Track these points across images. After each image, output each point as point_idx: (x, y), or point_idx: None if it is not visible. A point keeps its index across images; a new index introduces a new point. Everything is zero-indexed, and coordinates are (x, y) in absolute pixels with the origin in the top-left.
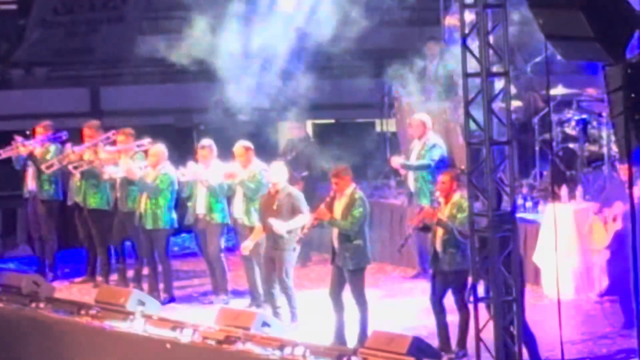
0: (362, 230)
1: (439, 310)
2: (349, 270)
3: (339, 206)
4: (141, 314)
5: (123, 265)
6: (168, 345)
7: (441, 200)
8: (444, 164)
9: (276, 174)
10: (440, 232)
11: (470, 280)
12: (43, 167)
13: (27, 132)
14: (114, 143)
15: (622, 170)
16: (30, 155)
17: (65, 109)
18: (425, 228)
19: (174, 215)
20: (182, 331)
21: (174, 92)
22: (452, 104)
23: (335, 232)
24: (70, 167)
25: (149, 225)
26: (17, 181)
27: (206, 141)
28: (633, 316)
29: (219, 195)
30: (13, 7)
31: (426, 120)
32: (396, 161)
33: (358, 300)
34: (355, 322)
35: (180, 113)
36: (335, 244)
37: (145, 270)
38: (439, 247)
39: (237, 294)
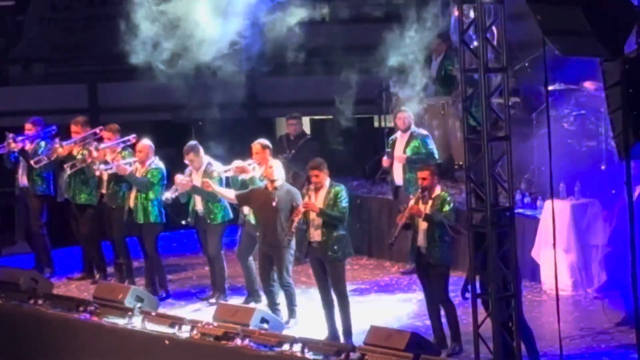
0: (345, 220)
1: (432, 305)
2: (333, 260)
3: (318, 198)
4: (139, 311)
5: (120, 261)
6: (166, 342)
7: (423, 194)
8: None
9: (278, 172)
10: (423, 226)
11: (453, 274)
12: (32, 162)
13: (25, 128)
14: (100, 139)
15: None
16: (22, 151)
17: (63, 105)
18: (408, 225)
19: (163, 210)
20: (180, 327)
21: (172, 89)
22: (451, 100)
23: (316, 223)
24: (65, 166)
25: (139, 220)
26: (14, 177)
27: (190, 145)
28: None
29: (212, 196)
30: (11, 3)
31: (411, 113)
32: (402, 158)
33: (340, 291)
34: (337, 316)
35: (178, 109)
36: (317, 236)
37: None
38: (422, 242)
39: (235, 290)
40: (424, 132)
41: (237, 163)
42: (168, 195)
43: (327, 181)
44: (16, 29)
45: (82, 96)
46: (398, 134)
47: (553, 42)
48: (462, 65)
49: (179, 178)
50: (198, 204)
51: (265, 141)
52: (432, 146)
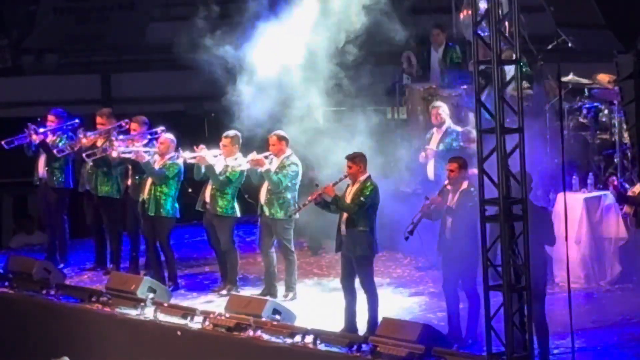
0: (368, 217)
1: (452, 298)
2: (356, 257)
3: (351, 192)
4: (152, 301)
5: (135, 253)
6: (179, 332)
7: (449, 187)
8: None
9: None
10: (449, 219)
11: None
12: (55, 151)
13: (39, 119)
14: (127, 131)
15: None
16: (42, 144)
17: (76, 96)
18: (435, 216)
19: (177, 205)
20: (192, 318)
21: (185, 79)
22: (464, 92)
23: (344, 217)
24: (84, 155)
25: (151, 212)
26: (28, 168)
27: (230, 131)
28: None
29: (224, 186)
30: None
31: (445, 107)
32: (431, 152)
33: (366, 288)
34: (364, 310)
35: (191, 100)
36: (343, 230)
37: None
38: (448, 234)
39: (247, 281)
40: (459, 128)
41: (253, 155)
42: (186, 154)
43: (364, 175)
44: (29, 19)
45: (95, 87)
46: (434, 129)
47: (567, 35)
48: (475, 57)
49: (204, 150)
50: (207, 191)
51: (282, 132)
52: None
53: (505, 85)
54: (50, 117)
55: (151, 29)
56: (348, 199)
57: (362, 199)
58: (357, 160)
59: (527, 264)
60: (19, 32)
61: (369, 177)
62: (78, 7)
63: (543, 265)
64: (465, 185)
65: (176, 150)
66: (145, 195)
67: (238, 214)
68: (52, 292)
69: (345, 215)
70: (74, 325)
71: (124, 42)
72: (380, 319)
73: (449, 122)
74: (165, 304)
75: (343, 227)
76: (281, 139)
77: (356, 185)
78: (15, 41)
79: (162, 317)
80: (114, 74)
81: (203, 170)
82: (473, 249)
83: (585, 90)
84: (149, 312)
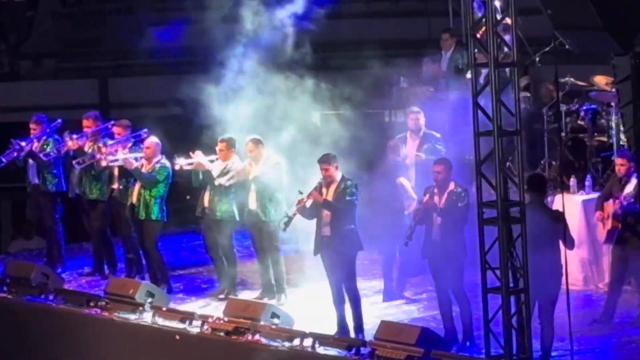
0: (353, 214)
1: (444, 299)
2: (345, 255)
3: (329, 193)
4: (150, 306)
5: (130, 257)
6: (177, 337)
7: (436, 189)
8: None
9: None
10: (438, 220)
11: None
12: (42, 155)
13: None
14: (111, 134)
15: (619, 164)
16: (30, 153)
17: (74, 101)
18: (423, 220)
19: (165, 208)
20: (191, 323)
21: (183, 84)
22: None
23: (326, 219)
24: (73, 162)
25: (141, 216)
26: (25, 174)
27: (225, 135)
28: None
29: (223, 192)
30: None
31: (422, 113)
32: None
33: (350, 287)
34: (349, 312)
35: (190, 104)
36: (327, 231)
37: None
38: (436, 236)
39: (245, 285)
40: (436, 134)
41: (237, 166)
42: (181, 161)
43: (338, 175)
44: (27, 24)
45: (93, 91)
46: (407, 133)
47: (564, 37)
48: (471, 60)
49: (200, 155)
50: (206, 199)
51: (257, 137)
52: (443, 148)
53: (502, 87)
54: (32, 125)
55: (149, 34)
56: (331, 200)
57: (350, 199)
58: (332, 161)
59: (525, 266)
60: (17, 37)
61: (344, 176)
62: (76, 12)
63: (558, 271)
64: (452, 186)
65: (172, 156)
66: (134, 199)
67: (237, 218)
68: (51, 297)
69: (328, 216)
70: (73, 330)
71: (122, 47)
72: (378, 321)
73: (425, 128)
74: (164, 309)
75: (327, 229)
76: (257, 143)
77: (333, 185)
78: (13, 46)
79: (161, 322)
80: (111, 79)
81: (201, 176)
82: (460, 250)
83: (583, 92)
84: (147, 317)
